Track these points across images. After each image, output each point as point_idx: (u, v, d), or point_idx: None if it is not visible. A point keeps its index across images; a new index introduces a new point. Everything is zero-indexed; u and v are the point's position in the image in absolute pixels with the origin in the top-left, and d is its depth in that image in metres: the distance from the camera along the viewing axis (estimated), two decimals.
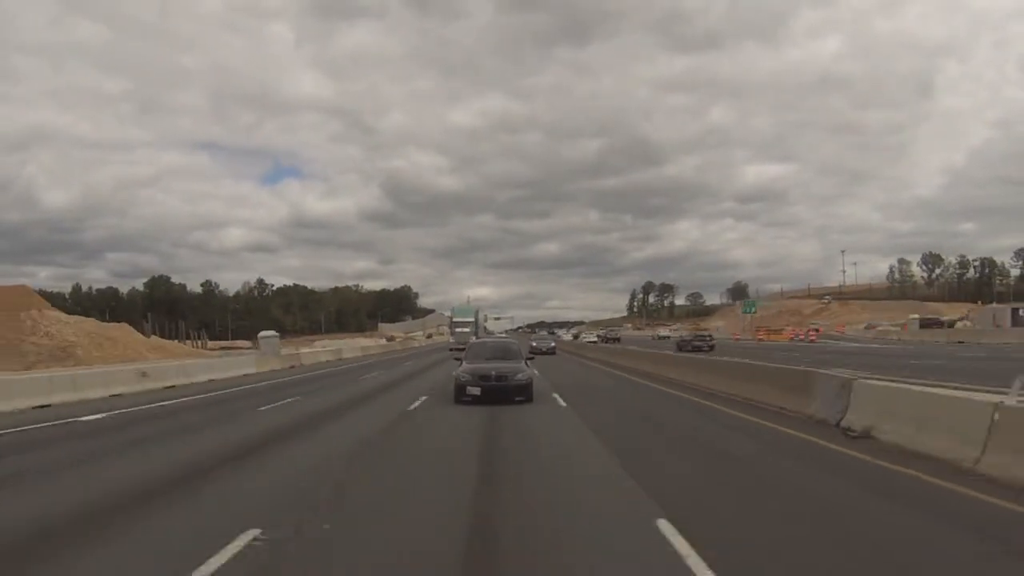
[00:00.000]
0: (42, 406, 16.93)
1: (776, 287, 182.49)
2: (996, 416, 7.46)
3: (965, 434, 7.87)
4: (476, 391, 14.44)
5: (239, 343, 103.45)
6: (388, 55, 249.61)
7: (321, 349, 59.33)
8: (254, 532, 5.68)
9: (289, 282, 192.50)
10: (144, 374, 23.55)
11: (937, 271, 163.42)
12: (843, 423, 10.85)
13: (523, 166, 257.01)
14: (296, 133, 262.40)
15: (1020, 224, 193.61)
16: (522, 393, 14.80)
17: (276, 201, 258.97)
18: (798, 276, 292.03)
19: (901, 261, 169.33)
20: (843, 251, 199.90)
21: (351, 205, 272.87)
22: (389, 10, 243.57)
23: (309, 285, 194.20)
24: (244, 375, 29.98)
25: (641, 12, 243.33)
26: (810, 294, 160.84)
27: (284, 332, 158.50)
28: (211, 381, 26.27)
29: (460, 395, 14.86)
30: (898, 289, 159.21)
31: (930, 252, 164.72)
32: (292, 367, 36.59)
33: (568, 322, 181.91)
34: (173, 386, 23.39)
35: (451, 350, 36.43)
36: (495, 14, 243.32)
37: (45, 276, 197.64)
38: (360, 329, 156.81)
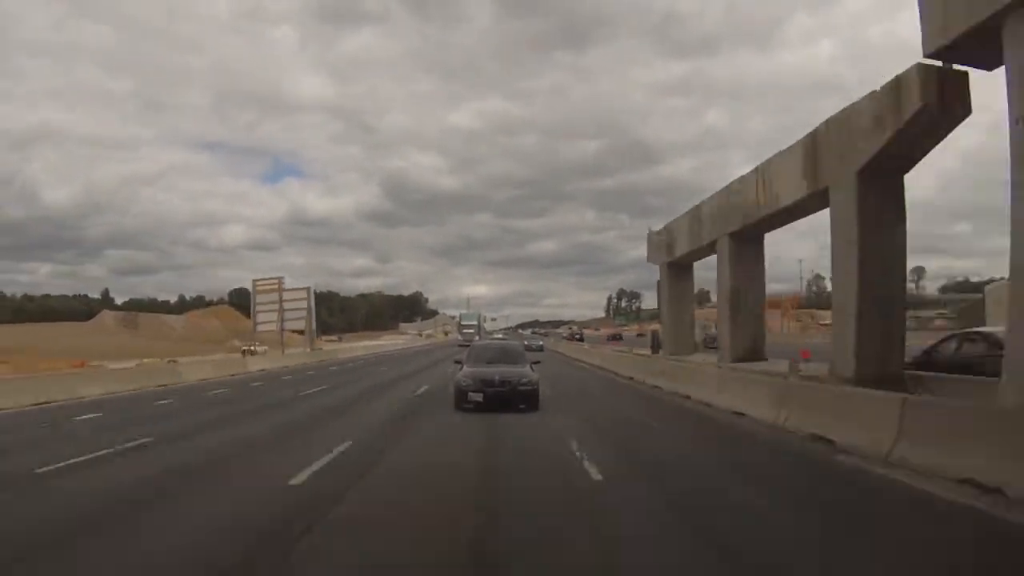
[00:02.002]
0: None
1: (774, 287, 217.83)
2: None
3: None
4: (478, 397, 13.14)
5: (331, 336, 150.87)
6: (389, 58, 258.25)
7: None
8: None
9: (293, 280, 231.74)
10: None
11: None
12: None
13: (521, 166, 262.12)
14: (298, 133, 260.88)
15: None
16: (527, 400, 13.19)
17: (276, 200, 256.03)
18: (793, 276, 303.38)
19: (816, 276, 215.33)
20: (800, 260, 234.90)
21: (350, 204, 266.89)
22: (391, 15, 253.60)
23: (310, 283, 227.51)
24: (424, 343, 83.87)
25: (638, 18, 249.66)
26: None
27: (329, 330, 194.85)
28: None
29: (461, 401, 13.31)
30: (814, 299, 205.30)
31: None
32: (429, 343, 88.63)
33: (562, 321, 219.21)
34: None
35: (460, 346, 43.41)
36: (494, 19, 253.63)
37: (45, 273, 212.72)
38: (383, 328, 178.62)
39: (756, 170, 18.27)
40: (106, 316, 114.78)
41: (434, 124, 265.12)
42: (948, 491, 5.93)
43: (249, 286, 43.40)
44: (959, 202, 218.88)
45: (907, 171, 12.61)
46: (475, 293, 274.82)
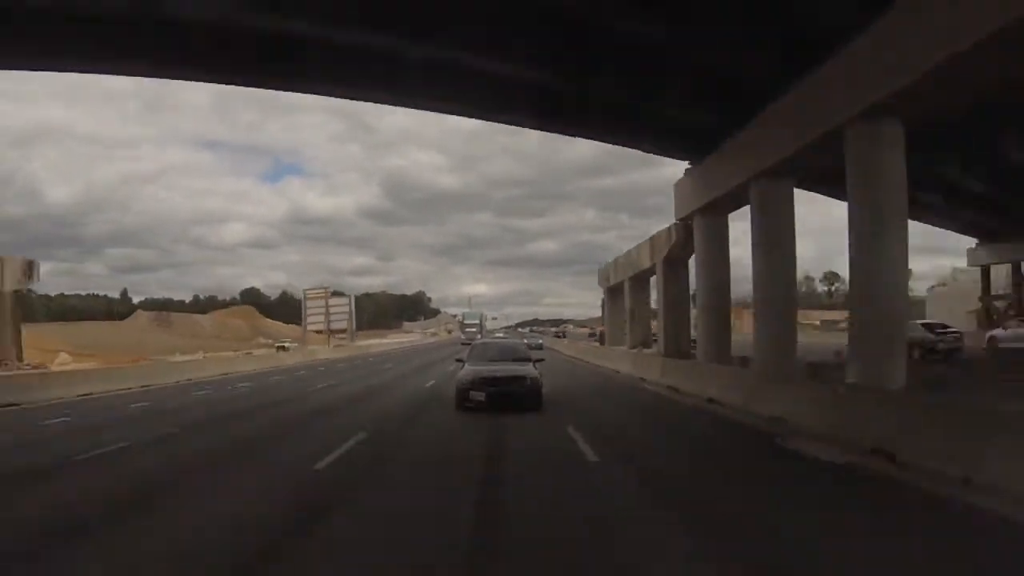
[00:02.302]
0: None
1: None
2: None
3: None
4: (480, 396, 13.13)
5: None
6: None
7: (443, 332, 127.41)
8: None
9: (287, 280, 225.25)
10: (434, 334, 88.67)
11: (835, 286, 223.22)
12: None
13: (521, 166, 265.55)
14: (298, 132, 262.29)
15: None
16: (530, 400, 13.26)
17: (277, 198, 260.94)
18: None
19: (807, 278, 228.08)
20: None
21: (351, 202, 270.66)
22: None
23: (310, 280, 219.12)
24: (431, 340, 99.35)
25: None
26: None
27: (340, 328, 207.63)
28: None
29: (463, 401, 13.40)
30: (805, 301, 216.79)
31: (831, 271, 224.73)
32: (435, 341, 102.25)
33: (562, 320, 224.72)
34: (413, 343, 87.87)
35: (463, 344, 47.20)
36: None
37: (45, 271, 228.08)
38: (387, 327, 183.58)
39: (637, 246, 32.22)
40: (141, 315, 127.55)
41: (434, 124, 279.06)
42: (666, 391, 16.55)
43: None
44: None
45: (687, 262, 26.08)
46: (476, 292, 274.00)
